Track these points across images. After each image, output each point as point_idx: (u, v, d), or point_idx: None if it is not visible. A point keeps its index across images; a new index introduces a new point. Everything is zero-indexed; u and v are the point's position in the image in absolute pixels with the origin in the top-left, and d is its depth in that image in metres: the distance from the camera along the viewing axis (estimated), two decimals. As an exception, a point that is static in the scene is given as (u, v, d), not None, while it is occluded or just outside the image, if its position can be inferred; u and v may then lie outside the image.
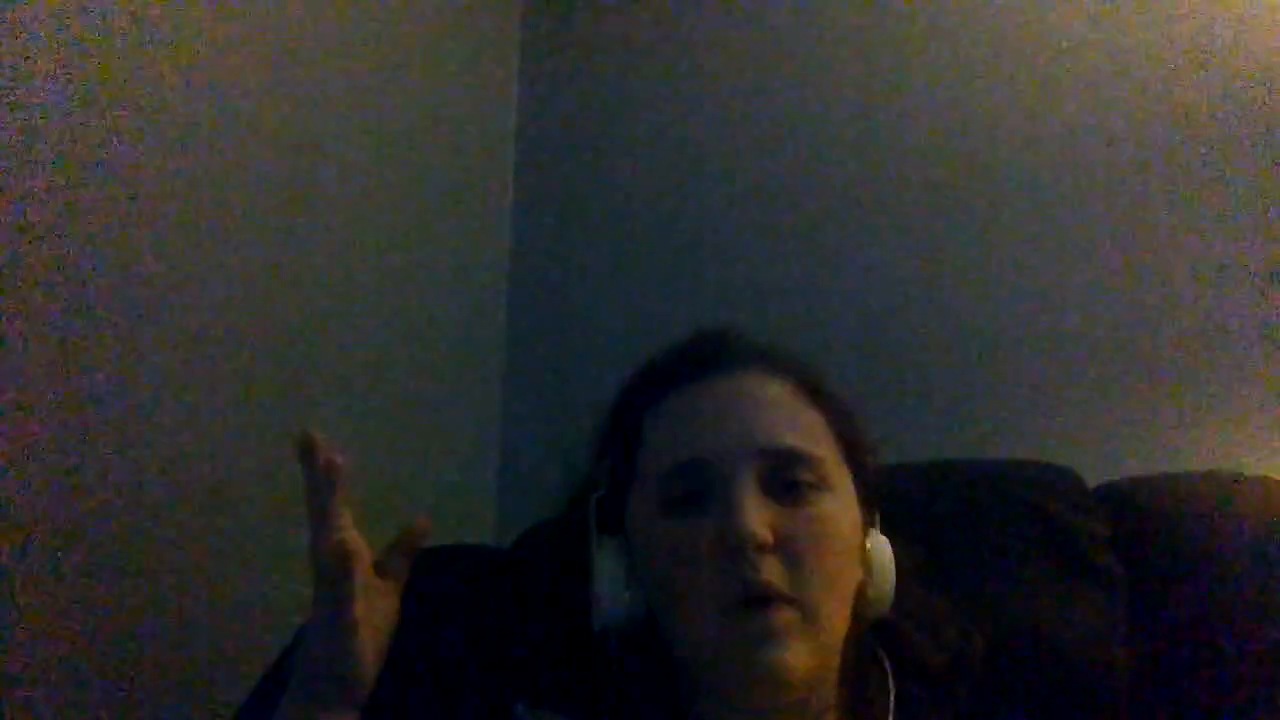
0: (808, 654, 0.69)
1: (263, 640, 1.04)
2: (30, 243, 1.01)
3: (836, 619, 0.72)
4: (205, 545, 1.16)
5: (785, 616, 0.69)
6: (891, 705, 0.75)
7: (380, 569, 0.76)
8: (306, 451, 0.75)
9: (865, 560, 0.77)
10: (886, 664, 0.77)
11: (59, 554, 1.02)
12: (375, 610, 0.74)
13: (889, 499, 0.81)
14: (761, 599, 0.69)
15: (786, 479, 0.73)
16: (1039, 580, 0.92)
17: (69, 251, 1.05)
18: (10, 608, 0.99)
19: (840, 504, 0.75)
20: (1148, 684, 0.87)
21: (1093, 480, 1.00)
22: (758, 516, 0.70)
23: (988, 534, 0.95)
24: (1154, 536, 0.94)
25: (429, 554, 1.08)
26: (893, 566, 0.77)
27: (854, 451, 0.79)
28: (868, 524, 0.78)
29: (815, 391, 0.79)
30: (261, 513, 1.22)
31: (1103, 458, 1.12)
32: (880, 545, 0.78)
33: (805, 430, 0.76)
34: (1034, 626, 0.89)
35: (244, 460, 1.20)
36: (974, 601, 0.85)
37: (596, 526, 0.78)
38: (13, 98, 1.00)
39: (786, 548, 0.70)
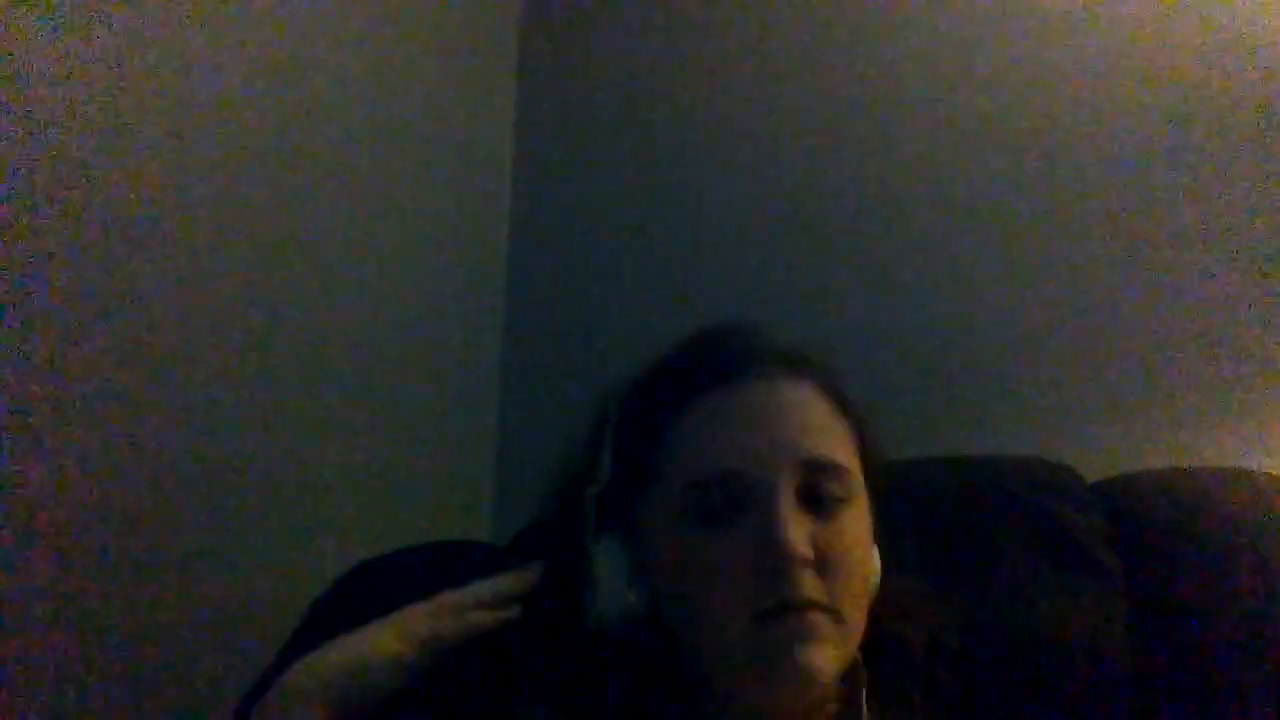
0: (837, 658, 0.70)
1: (262, 639, 1.03)
2: (31, 242, 1.01)
3: (860, 625, 0.73)
4: (205, 545, 1.16)
5: (820, 619, 0.69)
6: (863, 694, 0.75)
7: None
8: None
9: None
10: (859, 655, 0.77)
11: (59, 553, 1.03)
12: None
13: (889, 494, 0.80)
14: (798, 608, 0.69)
15: (819, 492, 0.72)
16: (1038, 576, 0.92)
17: (70, 252, 1.05)
18: (10, 607, 0.99)
19: (862, 515, 0.75)
20: (1146, 679, 0.87)
21: (1092, 477, 1.00)
22: (799, 530, 0.69)
23: (987, 530, 0.95)
24: (1152, 532, 0.94)
25: (426, 550, 1.09)
26: (879, 574, 0.77)
27: (870, 459, 0.79)
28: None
29: (840, 398, 0.78)
30: (262, 512, 1.22)
31: (1102, 455, 1.12)
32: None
33: (837, 440, 0.75)
34: (1033, 622, 0.89)
35: (244, 459, 1.20)
36: (973, 597, 0.85)
37: (595, 522, 0.77)
38: (13, 98, 1.00)
39: (822, 561, 0.70)
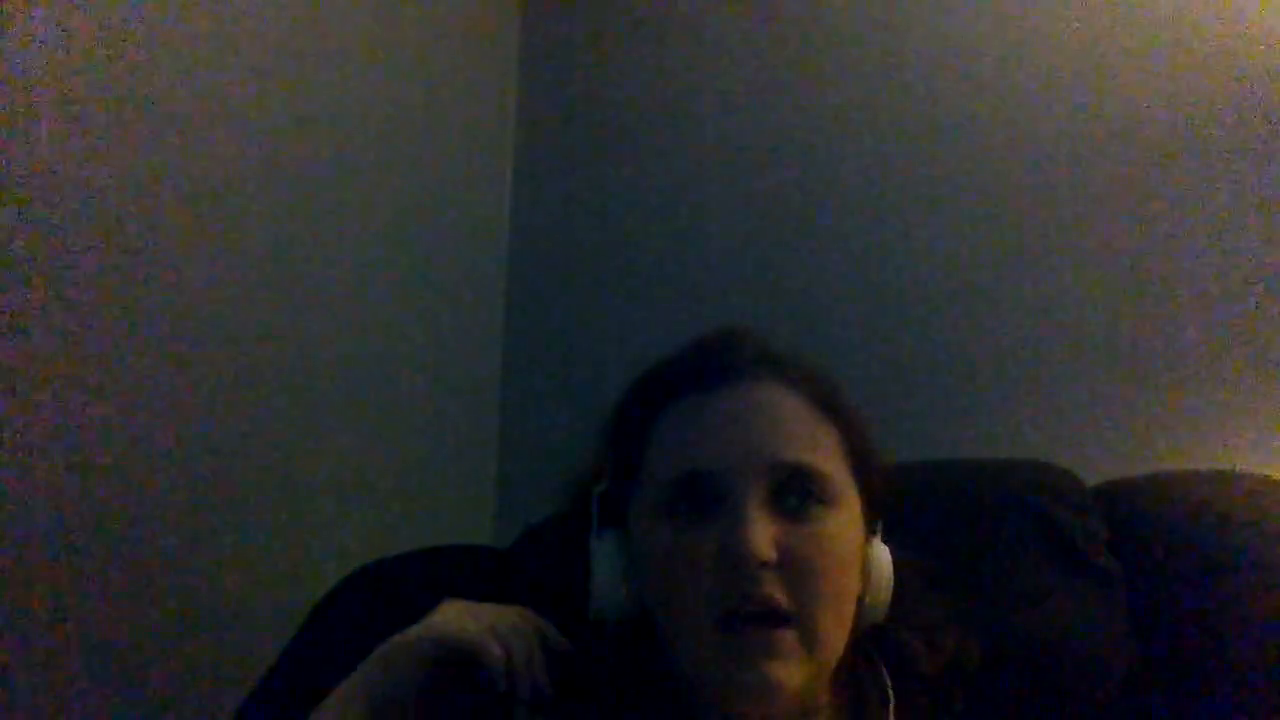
0: (801, 673, 0.69)
1: (262, 640, 1.04)
2: (29, 244, 1.01)
3: (834, 637, 0.72)
4: (207, 546, 1.16)
5: (783, 636, 0.69)
6: (891, 711, 0.75)
7: None
8: None
9: (864, 569, 0.76)
10: (884, 670, 0.77)
11: (59, 554, 1.03)
12: None
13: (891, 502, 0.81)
14: (761, 616, 0.69)
15: (794, 493, 0.72)
16: (1037, 579, 0.92)
17: (73, 255, 1.05)
18: (10, 607, 0.99)
19: (845, 520, 0.74)
20: (1146, 683, 0.87)
21: (1092, 480, 1.00)
22: (763, 532, 0.69)
23: (987, 533, 0.95)
24: (1152, 536, 0.94)
25: (429, 554, 1.09)
26: (891, 575, 0.77)
27: (863, 464, 0.78)
28: (869, 534, 0.78)
29: (828, 403, 0.78)
30: (265, 514, 1.22)
31: (1102, 458, 1.12)
32: (879, 554, 0.77)
33: (815, 445, 0.75)
34: (1032, 625, 0.89)
35: (246, 462, 1.20)
36: (973, 601, 0.85)
37: (597, 520, 0.78)
38: (14, 99, 1.00)
39: (790, 565, 0.70)
